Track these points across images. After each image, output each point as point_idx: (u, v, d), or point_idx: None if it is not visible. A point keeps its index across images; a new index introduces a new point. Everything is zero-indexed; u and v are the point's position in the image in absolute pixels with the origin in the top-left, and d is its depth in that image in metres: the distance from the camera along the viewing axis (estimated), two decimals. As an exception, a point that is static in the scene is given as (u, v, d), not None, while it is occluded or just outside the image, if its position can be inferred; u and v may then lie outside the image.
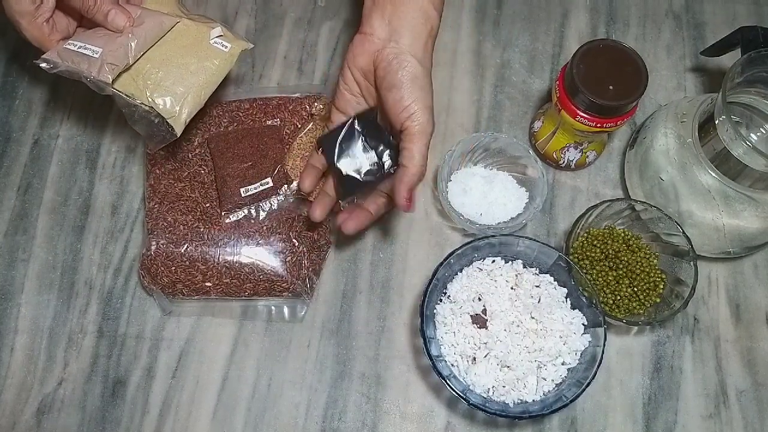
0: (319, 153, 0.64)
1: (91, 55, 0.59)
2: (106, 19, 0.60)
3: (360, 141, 0.61)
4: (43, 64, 0.59)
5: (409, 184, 0.58)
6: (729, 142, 0.62)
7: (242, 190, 0.68)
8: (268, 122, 0.72)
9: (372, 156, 0.61)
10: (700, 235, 0.67)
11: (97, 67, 0.58)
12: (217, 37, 0.63)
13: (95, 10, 0.60)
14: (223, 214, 0.69)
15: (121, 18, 0.60)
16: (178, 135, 0.61)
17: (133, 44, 0.60)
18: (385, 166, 0.61)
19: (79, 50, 0.59)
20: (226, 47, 0.63)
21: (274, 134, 0.71)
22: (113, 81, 0.59)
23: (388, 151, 0.61)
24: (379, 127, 0.62)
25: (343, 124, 0.62)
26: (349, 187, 0.62)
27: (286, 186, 0.70)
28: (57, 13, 0.61)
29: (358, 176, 0.61)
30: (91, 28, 0.62)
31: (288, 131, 0.72)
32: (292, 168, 0.71)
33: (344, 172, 0.61)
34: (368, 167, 0.61)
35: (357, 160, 0.61)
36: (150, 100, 0.60)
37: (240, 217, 0.69)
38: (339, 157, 0.61)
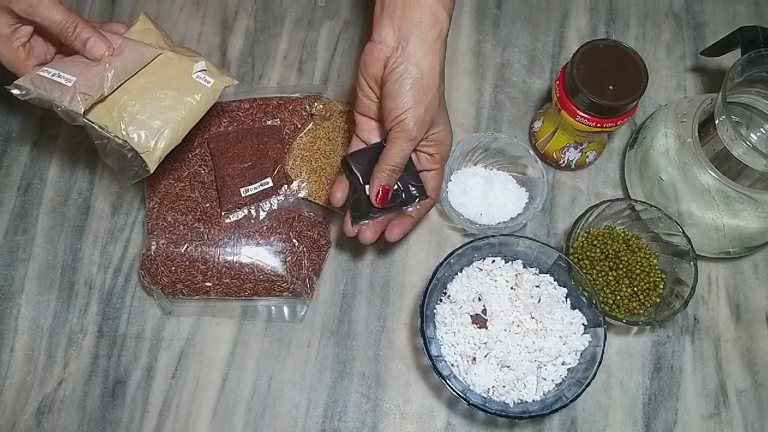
0: (344, 172, 0.62)
1: (64, 83, 0.56)
2: (85, 47, 0.57)
3: None
4: (15, 91, 0.56)
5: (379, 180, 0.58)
6: (729, 142, 0.62)
7: (242, 190, 0.68)
8: (268, 122, 0.72)
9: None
10: (700, 235, 0.68)
11: (69, 96, 0.55)
12: (200, 71, 0.60)
13: (74, 37, 0.57)
14: (223, 214, 0.69)
15: (99, 47, 0.58)
16: (152, 171, 0.58)
17: (109, 74, 0.57)
18: (404, 195, 0.60)
19: (52, 78, 0.56)
20: (209, 82, 0.60)
21: (274, 134, 0.71)
22: (86, 111, 0.56)
23: (412, 181, 0.60)
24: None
25: (372, 146, 0.61)
26: (368, 210, 0.60)
27: (286, 186, 0.70)
28: (35, 39, 0.60)
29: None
30: (71, 55, 0.60)
31: (288, 131, 0.72)
32: (292, 168, 0.71)
33: (368, 194, 0.59)
34: (393, 194, 0.60)
35: None
36: (124, 133, 0.57)
37: (240, 217, 0.69)
38: (365, 178, 0.60)
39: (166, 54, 0.60)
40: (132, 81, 0.59)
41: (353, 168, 0.60)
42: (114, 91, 0.58)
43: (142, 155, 0.58)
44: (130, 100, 0.58)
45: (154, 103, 0.58)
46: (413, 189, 0.61)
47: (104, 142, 0.59)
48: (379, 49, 0.58)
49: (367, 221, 0.61)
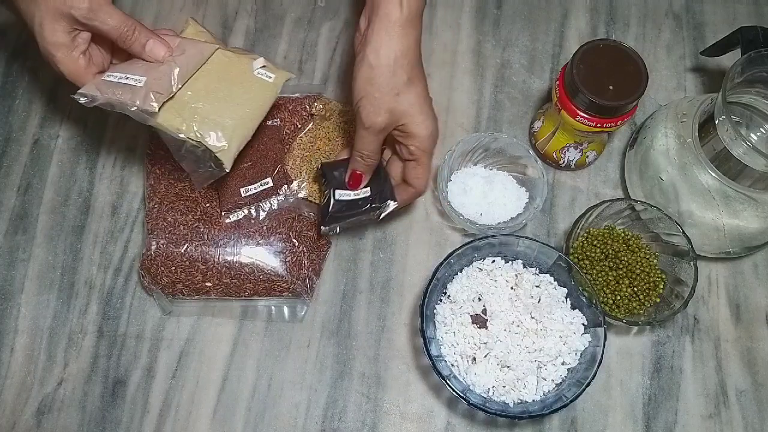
0: (321, 180, 0.66)
1: (134, 84, 0.56)
2: (144, 50, 0.57)
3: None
4: (82, 99, 0.56)
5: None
6: (729, 142, 0.62)
7: (242, 190, 0.68)
8: (268, 122, 0.72)
9: (366, 191, 0.64)
10: (700, 235, 0.68)
11: (142, 96, 0.55)
12: (260, 67, 0.61)
13: (132, 39, 0.56)
14: (223, 214, 0.69)
15: (160, 47, 0.57)
16: (228, 170, 0.59)
17: (175, 72, 0.57)
18: (377, 201, 0.64)
19: (120, 81, 0.56)
20: (270, 78, 0.61)
21: (274, 134, 0.71)
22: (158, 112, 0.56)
23: (384, 186, 0.64)
24: (380, 164, 0.65)
25: (346, 159, 0.64)
26: (338, 217, 0.64)
27: (286, 186, 0.70)
28: (92, 46, 0.58)
29: (348, 207, 0.64)
30: (125, 61, 0.59)
31: (288, 131, 0.72)
32: (292, 168, 0.71)
33: (337, 199, 0.64)
34: (360, 200, 0.64)
35: (351, 192, 0.64)
36: (199, 134, 0.57)
37: (240, 217, 0.69)
38: (336, 186, 0.64)
39: (224, 52, 0.60)
40: (196, 80, 0.59)
41: (326, 175, 0.64)
42: (179, 89, 0.58)
43: (217, 154, 0.58)
44: (199, 100, 0.58)
45: (222, 102, 0.59)
46: (384, 194, 0.64)
47: (178, 144, 0.59)
48: (356, 36, 0.58)
49: (336, 225, 0.65)
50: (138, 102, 0.55)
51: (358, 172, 0.63)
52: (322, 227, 0.66)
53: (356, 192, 0.64)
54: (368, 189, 0.64)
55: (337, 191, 0.64)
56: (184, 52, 0.58)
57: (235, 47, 0.65)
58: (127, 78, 0.56)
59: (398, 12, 0.55)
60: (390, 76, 0.56)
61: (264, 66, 0.61)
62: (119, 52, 0.60)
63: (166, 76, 0.57)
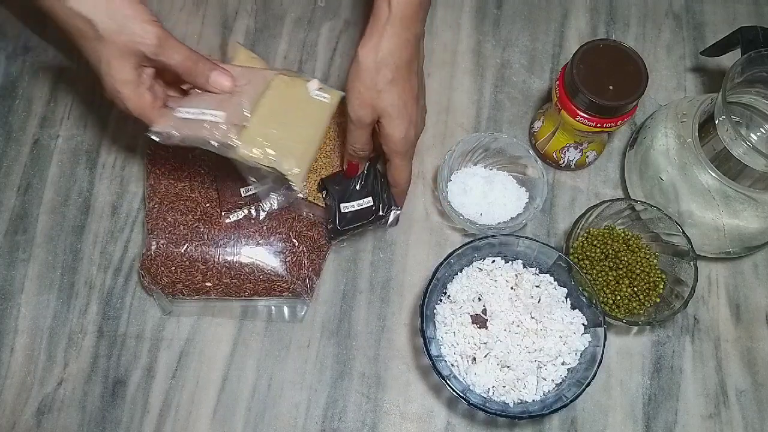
0: (322, 194, 0.68)
1: (212, 119, 0.56)
2: (208, 81, 0.58)
3: (359, 186, 0.68)
4: (156, 137, 0.57)
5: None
6: (729, 142, 0.62)
7: (242, 190, 0.68)
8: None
9: (368, 200, 0.68)
10: (700, 235, 0.68)
11: (222, 131, 0.56)
12: (317, 89, 0.63)
13: (196, 72, 0.57)
14: (223, 214, 0.69)
15: (224, 78, 0.58)
16: (300, 193, 0.62)
17: (245, 102, 0.58)
18: (378, 212, 0.68)
19: (196, 117, 0.57)
20: (326, 98, 0.63)
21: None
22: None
23: (384, 196, 0.68)
24: (377, 173, 0.68)
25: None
26: (345, 229, 0.67)
27: (286, 187, 0.70)
28: (155, 81, 0.59)
29: (354, 218, 0.67)
30: (182, 92, 0.60)
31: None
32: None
33: (343, 212, 0.67)
34: (364, 210, 0.67)
35: (355, 203, 0.67)
36: (274, 161, 0.59)
37: (240, 217, 0.69)
38: (340, 198, 0.67)
39: (281, 78, 0.62)
40: (261, 107, 0.60)
41: (327, 188, 0.67)
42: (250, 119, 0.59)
43: (290, 179, 0.60)
44: (267, 127, 0.59)
45: (288, 127, 0.60)
46: (386, 202, 0.68)
47: (254, 172, 0.61)
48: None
49: (343, 237, 0.68)
50: (219, 137, 0.56)
51: (354, 163, 0.66)
52: (331, 240, 0.69)
53: (359, 202, 0.67)
54: (370, 199, 0.67)
55: (342, 204, 0.67)
56: (249, 81, 0.59)
57: (285, 69, 0.67)
58: (203, 113, 0.57)
59: (386, 12, 0.57)
60: (374, 74, 0.58)
61: (321, 88, 0.63)
62: (174, 84, 0.61)
63: (239, 108, 0.58)
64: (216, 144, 0.57)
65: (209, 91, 0.58)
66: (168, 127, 0.56)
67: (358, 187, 0.68)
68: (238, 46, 0.65)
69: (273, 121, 0.60)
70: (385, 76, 0.58)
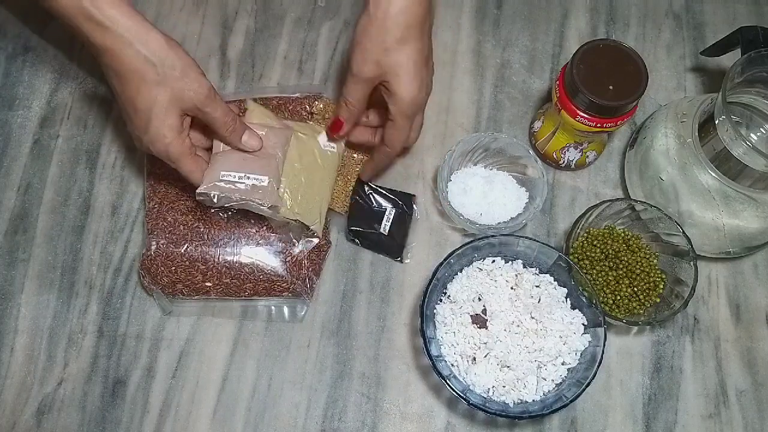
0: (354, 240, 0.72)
1: (258, 184, 0.61)
2: (240, 141, 0.61)
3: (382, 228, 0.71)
4: (202, 198, 0.61)
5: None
6: (729, 142, 0.62)
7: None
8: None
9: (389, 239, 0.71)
10: (700, 235, 0.68)
11: (269, 194, 0.61)
12: (326, 142, 0.69)
13: (232, 130, 0.60)
14: (214, 210, 0.68)
15: (255, 140, 0.61)
16: (320, 237, 0.68)
17: (279, 165, 0.63)
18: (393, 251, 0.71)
19: (241, 180, 0.60)
20: (334, 149, 0.69)
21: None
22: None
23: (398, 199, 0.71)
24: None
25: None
26: (353, 238, 0.71)
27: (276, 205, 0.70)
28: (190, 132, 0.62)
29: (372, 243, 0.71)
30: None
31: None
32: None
33: (360, 229, 0.70)
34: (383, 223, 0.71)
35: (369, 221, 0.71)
36: (298, 214, 0.65)
37: (228, 215, 0.69)
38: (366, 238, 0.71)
39: (297, 135, 0.67)
40: (286, 165, 0.65)
41: (358, 234, 0.71)
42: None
43: (314, 229, 0.67)
44: (293, 185, 0.65)
45: (309, 182, 0.66)
46: (398, 252, 0.71)
47: (284, 226, 0.67)
48: None
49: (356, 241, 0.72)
50: (267, 201, 0.61)
51: (340, 119, 0.65)
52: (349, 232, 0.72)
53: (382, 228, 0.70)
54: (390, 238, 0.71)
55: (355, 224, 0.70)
56: (276, 142, 0.64)
57: (296, 121, 0.70)
58: (248, 177, 0.61)
59: None
60: (383, 30, 0.57)
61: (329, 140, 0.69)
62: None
63: (276, 171, 0.63)
64: (264, 207, 0.61)
65: (239, 149, 0.62)
66: (214, 190, 0.60)
67: (382, 229, 0.70)
68: (251, 102, 0.69)
69: (296, 179, 0.65)
70: (394, 34, 0.57)
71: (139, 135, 0.59)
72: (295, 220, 0.65)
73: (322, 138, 0.68)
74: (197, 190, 0.60)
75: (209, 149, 0.63)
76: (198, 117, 0.59)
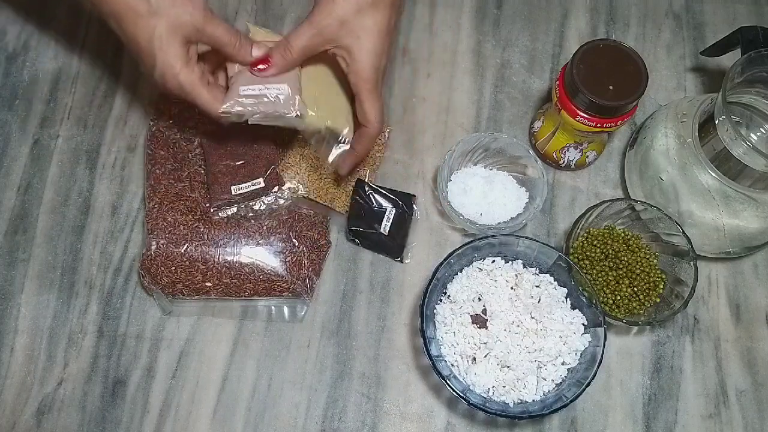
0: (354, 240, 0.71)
1: (278, 94, 0.60)
2: (250, 55, 0.60)
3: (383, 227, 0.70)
4: (225, 115, 0.60)
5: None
6: (729, 142, 0.62)
7: (233, 188, 0.68)
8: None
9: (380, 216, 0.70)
10: (700, 235, 0.67)
11: (293, 103, 0.60)
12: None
13: (239, 47, 0.60)
14: (212, 210, 0.69)
15: (265, 50, 0.61)
16: (349, 141, 0.66)
17: (296, 74, 0.62)
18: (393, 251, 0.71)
19: (261, 92, 0.60)
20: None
21: (269, 135, 0.71)
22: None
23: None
24: (386, 194, 0.71)
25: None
26: (353, 238, 0.71)
27: (277, 187, 0.70)
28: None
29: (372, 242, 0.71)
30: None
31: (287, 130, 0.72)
32: (292, 165, 0.71)
33: (361, 229, 0.70)
34: (382, 224, 0.70)
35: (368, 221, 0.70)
36: (329, 124, 0.64)
37: (229, 214, 0.69)
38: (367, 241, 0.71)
39: None
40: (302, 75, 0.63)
41: (359, 235, 0.70)
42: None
43: (345, 134, 0.65)
44: (314, 93, 0.63)
45: (328, 91, 0.65)
46: (398, 251, 0.71)
47: (318, 137, 0.65)
48: None
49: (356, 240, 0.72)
50: (292, 110, 0.60)
51: (269, 59, 0.61)
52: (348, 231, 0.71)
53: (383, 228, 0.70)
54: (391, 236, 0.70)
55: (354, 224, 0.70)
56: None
57: None
58: (266, 89, 0.60)
59: None
60: None
61: None
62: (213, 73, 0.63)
63: (295, 78, 0.61)
64: (289, 116, 0.60)
65: (252, 65, 0.60)
66: (236, 105, 0.59)
67: (382, 230, 0.70)
68: (250, 26, 0.66)
69: (316, 88, 0.63)
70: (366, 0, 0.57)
71: (150, 73, 0.59)
72: (325, 128, 0.64)
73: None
74: (221, 107, 0.59)
75: (226, 89, 0.62)
76: (202, 41, 0.59)
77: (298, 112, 0.60)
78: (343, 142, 0.66)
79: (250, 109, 0.59)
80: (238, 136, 0.70)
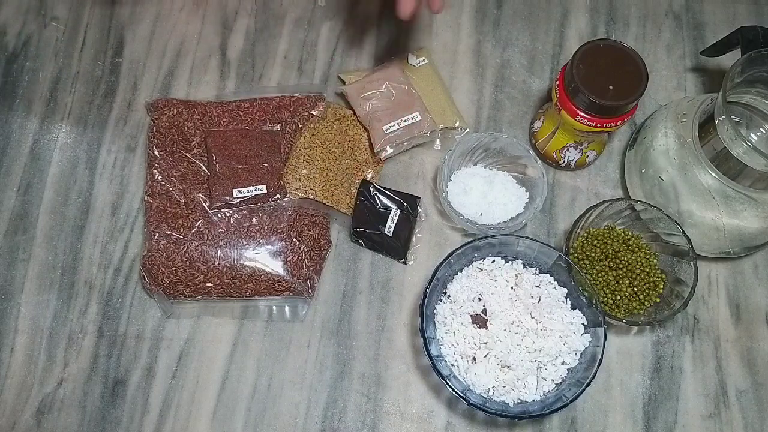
0: (357, 240, 0.72)
1: (413, 121, 0.72)
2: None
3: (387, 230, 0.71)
4: (383, 155, 0.72)
5: None
6: (729, 142, 0.62)
7: (235, 191, 0.68)
8: (268, 126, 0.72)
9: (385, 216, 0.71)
10: (700, 235, 0.68)
11: (426, 124, 0.72)
12: (415, 59, 0.78)
13: None
14: (212, 210, 0.69)
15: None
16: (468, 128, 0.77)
17: (417, 96, 0.74)
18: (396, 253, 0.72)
19: (402, 126, 0.72)
20: (425, 61, 0.78)
21: (273, 142, 0.71)
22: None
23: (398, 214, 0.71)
24: (393, 195, 0.72)
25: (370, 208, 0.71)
26: (357, 239, 0.71)
27: (278, 196, 0.70)
28: None
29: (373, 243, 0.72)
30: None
31: (289, 130, 0.72)
32: (296, 167, 0.71)
33: (364, 230, 0.70)
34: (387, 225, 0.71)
35: (374, 223, 0.71)
36: (445, 121, 0.75)
37: (227, 215, 0.69)
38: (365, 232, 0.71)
39: (404, 62, 0.79)
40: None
41: (361, 235, 0.71)
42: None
43: (457, 127, 0.76)
44: (427, 105, 0.76)
45: (432, 97, 0.77)
46: (402, 253, 0.71)
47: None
48: None
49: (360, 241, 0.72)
50: (426, 129, 0.72)
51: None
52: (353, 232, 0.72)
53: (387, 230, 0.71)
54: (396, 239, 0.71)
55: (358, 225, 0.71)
56: (401, 82, 0.75)
57: (391, 57, 0.79)
58: (405, 121, 0.72)
59: None
60: None
61: (413, 56, 0.78)
62: None
63: (419, 102, 0.73)
64: (427, 134, 0.73)
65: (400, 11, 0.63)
66: (387, 144, 0.72)
67: (386, 231, 0.70)
68: (345, 76, 0.77)
69: (427, 99, 0.75)
70: None
71: None
72: (447, 128, 0.75)
73: (411, 59, 0.77)
74: (375, 150, 0.71)
75: None
76: None
77: (433, 129, 0.72)
78: (461, 133, 0.76)
79: (398, 143, 0.72)
80: (242, 138, 0.70)
